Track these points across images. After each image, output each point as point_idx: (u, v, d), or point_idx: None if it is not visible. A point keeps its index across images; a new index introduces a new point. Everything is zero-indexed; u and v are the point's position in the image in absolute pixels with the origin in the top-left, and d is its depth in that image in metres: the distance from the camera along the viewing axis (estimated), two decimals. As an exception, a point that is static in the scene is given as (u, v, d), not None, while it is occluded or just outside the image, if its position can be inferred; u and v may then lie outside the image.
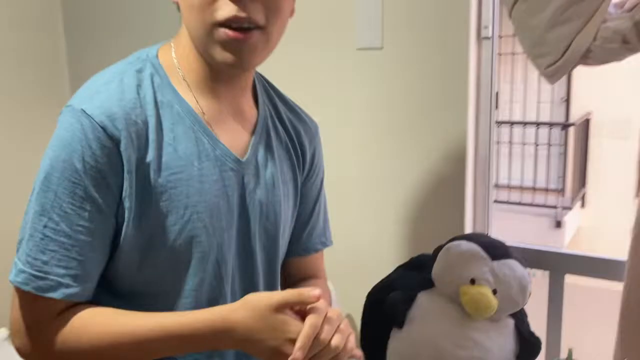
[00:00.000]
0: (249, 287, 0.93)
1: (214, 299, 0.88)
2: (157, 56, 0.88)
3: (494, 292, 1.30)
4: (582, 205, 6.66)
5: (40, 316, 0.83)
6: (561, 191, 6.32)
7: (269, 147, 0.94)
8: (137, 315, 0.81)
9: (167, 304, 0.86)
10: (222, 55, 0.83)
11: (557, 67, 1.32)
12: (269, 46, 0.86)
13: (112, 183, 0.81)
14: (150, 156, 0.81)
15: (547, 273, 1.61)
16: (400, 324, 1.34)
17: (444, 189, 1.71)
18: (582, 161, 6.48)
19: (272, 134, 0.95)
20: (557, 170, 6.34)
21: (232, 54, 0.82)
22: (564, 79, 2.35)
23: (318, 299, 0.78)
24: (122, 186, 0.81)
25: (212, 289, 0.88)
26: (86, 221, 0.82)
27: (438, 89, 1.66)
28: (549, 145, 6.24)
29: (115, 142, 0.80)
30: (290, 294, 0.78)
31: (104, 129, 0.80)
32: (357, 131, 1.81)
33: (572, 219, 6.23)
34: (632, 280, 1.41)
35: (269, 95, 1.00)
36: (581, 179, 6.55)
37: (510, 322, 1.37)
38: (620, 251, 1.54)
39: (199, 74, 0.87)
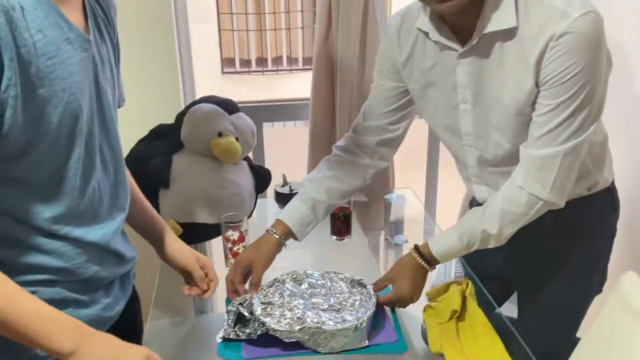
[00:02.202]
0: (110, 154, 1.01)
1: (89, 169, 0.95)
2: None
3: (237, 139, 1.61)
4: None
5: None
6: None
7: (97, 25, 0.98)
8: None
9: (53, 183, 0.90)
10: None
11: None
12: None
13: None
14: (27, 42, 0.80)
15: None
16: (167, 184, 1.54)
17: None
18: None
19: (96, 12, 0.98)
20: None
21: None
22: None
23: None
24: (2, 76, 0.78)
25: (87, 160, 0.94)
26: None
27: None
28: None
29: None
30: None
31: None
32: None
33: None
34: (314, 118, 1.91)
35: None
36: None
37: (245, 162, 1.71)
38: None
39: None
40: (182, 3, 1.89)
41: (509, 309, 1.48)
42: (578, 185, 1.24)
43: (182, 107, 1.86)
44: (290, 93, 7.03)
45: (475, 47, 1.12)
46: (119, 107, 1.15)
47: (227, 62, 7.08)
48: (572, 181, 1.17)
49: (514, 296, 1.52)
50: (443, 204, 2.28)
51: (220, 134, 1.57)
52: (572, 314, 1.42)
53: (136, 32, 1.75)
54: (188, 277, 1.27)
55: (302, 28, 6.95)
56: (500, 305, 1.45)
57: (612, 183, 1.36)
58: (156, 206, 1.54)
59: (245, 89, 6.57)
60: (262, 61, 7.15)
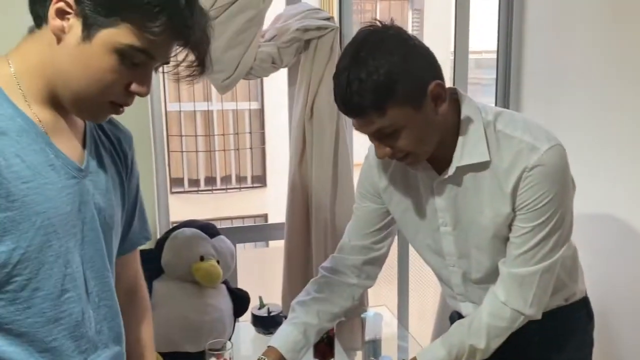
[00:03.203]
0: (98, 281, 0.97)
1: (63, 301, 0.90)
2: None
3: (217, 262, 1.60)
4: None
5: None
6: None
7: (99, 155, 0.99)
8: None
9: (17, 314, 0.85)
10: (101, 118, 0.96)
11: (230, 80, 1.70)
12: None
13: None
14: (0, 166, 0.81)
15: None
16: (147, 312, 1.49)
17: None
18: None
19: (99, 142, 1.00)
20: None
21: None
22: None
23: None
24: None
25: (63, 290, 0.90)
26: None
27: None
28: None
29: None
30: None
31: None
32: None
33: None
34: (290, 237, 1.93)
35: None
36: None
37: (223, 286, 1.69)
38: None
39: (40, 90, 0.87)
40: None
41: None
42: (556, 297, 1.32)
43: (158, 232, 1.85)
44: (240, 211, 7.00)
45: (451, 176, 1.20)
46: (139, 244, 1.14)
47: (175, 182, 7.12)
48: (548, 295, 1.25)
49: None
50: (415, 319, 2.29)
51: (202, 258, 1.57)
52: None
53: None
54: None
55: (251, 149, 7.14)
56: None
57: (586, 293, 1.44)
58: (135, 336, 1.48)
59: (194, 208, 6.56)
60: (210, 180, 7.23)
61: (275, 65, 1.76)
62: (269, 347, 1.34)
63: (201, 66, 0.92)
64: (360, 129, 1.13)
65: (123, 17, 0.83)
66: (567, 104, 1.96)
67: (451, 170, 1.19)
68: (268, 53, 1.72)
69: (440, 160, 1.21)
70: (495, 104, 2.22)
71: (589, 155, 1.83)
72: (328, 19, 1.80)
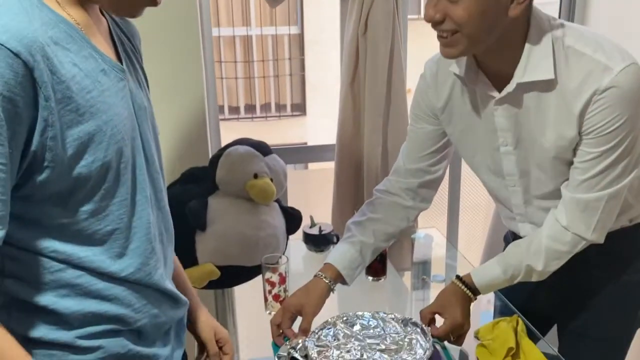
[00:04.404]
0: (156, 182, 0.97)
1: (139, 206, 0.91)
2: None
3: (271, 180, 1.60)
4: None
5: None
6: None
7: (126, 53, 0.95)
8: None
9: (97, 224, 0.86)
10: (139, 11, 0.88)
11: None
12: None
13: (26, 116, 0.75)
14: (64, 77, 0.78)
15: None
16: (203, 227, 1.51)
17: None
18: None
19: (123, 40, 0.96)
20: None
21: None
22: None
23: None
24: (37, 118, 0.76)
25: (134, 196, 0.90)
26: (4, 158, 0.74)
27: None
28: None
29: (30, 69, 0.74)
30: None
31: (17, 55, 0.73)
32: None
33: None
34: (340, 158, 1.91)
35: None
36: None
37: (276, 204, 1.70)
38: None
39: None
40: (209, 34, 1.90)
41: (547, 345, 1.47)
42: (621, 219, 1.27)
43: (209, 150, 1.85)
44: (280, 139, 7.04)
45: (512, 95, 1.14)
46: None
47: (215, 110, 7.13)
48: (612, 221, 1.21)
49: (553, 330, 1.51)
50: (464, 244, 2.28)
51: (255, 176, 1.56)
52: (615, 347, 1.41)
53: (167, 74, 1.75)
54: (203, 348, 1.20)
55: (291, 75, 7.05)
56: (538, 340, 1.44)
57: None
58: (193, 249, 1.51)
59: (235, 136, 6.57)
60: (250, 108, 7.21)
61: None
62: (325, 264, 1.35)
63: None
64: None
65: None
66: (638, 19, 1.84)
67: (511, 87, 1.13)
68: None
69: (501, 77, 1.15)
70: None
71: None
72: None
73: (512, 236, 1.46)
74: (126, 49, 0.97)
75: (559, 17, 1.45)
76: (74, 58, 0.81)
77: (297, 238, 1.91)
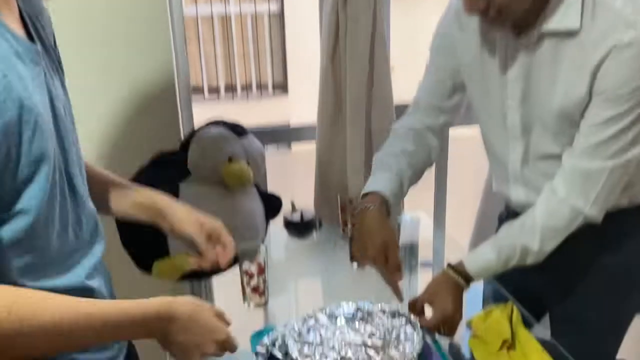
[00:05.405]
0: (80, 180, 0.86)
1: (60, 202, 0.79)
2: None
3: (248, 164, 1.49)
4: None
5: None
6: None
7: (37, 32, 0.82)
8: (68, 300, 0.73)
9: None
10: None
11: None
12: None
13: None
14: None
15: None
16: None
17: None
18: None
19: (33, 20, 0.81)
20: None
21: None
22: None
23: None
24: None
25: (57, 192, 0.78)
26: None
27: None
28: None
29: None
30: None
31: None
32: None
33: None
34: (321, 139, 1.81)
35: None
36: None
37: (254, 189, 1.60)
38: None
39: None
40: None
41: (540, 331, 1.40)
42: (621, 196, 1.19)
43: (182, 133, 1.74)
44: (262, 119, 6.94)
45: (531, 40, 1.09)
46: None
47: (194, 91, 6.95)
48: (615, 197, 1.14)
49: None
50: (453, 226, 2.21)
51: (230, 159, 1.46)
52: (611, 332, 1.35)
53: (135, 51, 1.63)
54: (194, 247, 1.11)
55: (272, 53, 6.89)
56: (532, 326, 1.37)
57: None
58: (164, 240, 1.41)
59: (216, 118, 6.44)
60: (230, 88, 7.05)
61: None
62: (370, 193, 1.25)
63: None
64: None
65: None
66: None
67: (534, 36, 1.07)
68: None
69: (523, 21, 1.08)
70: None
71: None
72: None
73: (506, 213, 1.39)
74: (37, 28, 0.82)
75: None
76: None
77: (278, 224, 1.81)
